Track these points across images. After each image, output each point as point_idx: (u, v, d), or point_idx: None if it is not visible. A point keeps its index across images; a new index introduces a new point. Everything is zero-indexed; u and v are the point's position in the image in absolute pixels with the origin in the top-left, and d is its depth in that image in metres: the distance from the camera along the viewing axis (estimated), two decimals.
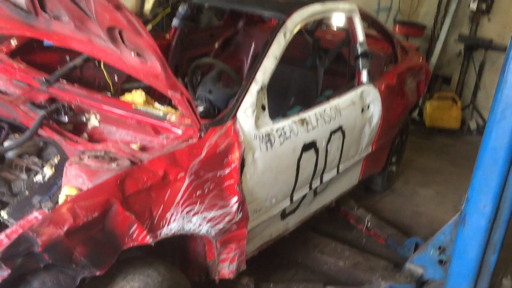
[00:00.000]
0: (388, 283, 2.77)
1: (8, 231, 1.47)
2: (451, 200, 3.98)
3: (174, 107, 2.18)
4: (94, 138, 2.13)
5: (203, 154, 1.93)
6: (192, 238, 2.12)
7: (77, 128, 2.17)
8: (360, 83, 3.11)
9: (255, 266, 2.69)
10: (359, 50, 3.12)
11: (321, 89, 3.36)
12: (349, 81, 3.23)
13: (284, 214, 2.63)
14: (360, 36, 3.14)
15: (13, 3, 2.11)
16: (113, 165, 1.74)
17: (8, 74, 2.44)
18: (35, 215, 1.52)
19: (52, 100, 2.26)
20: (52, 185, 1.79)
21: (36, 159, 1.96)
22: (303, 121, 2.48)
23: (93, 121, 2.19)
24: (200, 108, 2.57)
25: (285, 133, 2.35)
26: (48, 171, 1.85)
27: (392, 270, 2.88)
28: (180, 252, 2.20)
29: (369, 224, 3.38)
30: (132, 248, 1.69)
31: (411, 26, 6.17)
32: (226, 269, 2.22)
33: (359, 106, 2.98)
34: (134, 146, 1.95)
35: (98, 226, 1.58)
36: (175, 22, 3.62)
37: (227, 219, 2.02)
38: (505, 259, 2.61)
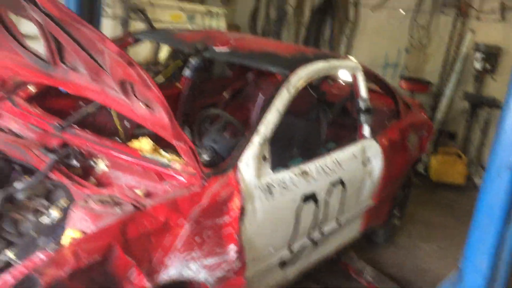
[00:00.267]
0: None
1: (13, 271, 1.53)
2: (454, 256, 3.96)
3: (179, 154, 2.28)
4: (101, 182, 2.22)
5: (204, 202, 2.01)
6: (191, 285, 2.15)
7: (86, 172, 2.26)
8: (361, 137, 3.20)
9: None
10: (361, 105, 3.23)
11: (325, 141, 3.46)
12: (352, 134, 3.33)
13: (283, 264, 2.66)
14: (363, 92, 3.26)
15: (34, 53, 2.27)
16: (117, 209, 1.82)
17: (24, 119, 2.57)
18: (39, 256, 1.58)
19: (64, 144, 2.37)
20: (58, 227, 1.87)
21: (44, 201, 2.04)
22: (303, 173, 2.56)
23: (102, 166, 2.29)
24: (205, 157, 2.65)
25: (285, 184, 2.42)
26: (55, 213, 1.93)
27: None
28: None
29: (368, 277, 3.38)
30: None
31: (417, 82, 6.33)
32: None
33: (360, 160, 3.06)
34: (139, 192, 2.04)
35: (99, 269, 1.64)
36: (187, 72, 3.78)
37: (225, 266, 2.07)
38: None
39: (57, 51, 2.11)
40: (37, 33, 2.10)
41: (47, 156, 2.21)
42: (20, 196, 2.02)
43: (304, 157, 2.88)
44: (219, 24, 7.71)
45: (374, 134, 3.28)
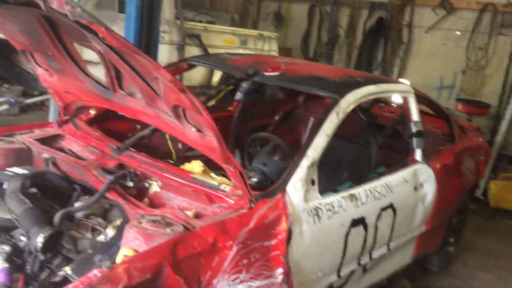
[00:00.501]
0: None
1: (70, 286, 1.62)
2: None
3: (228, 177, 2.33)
4: (154, 203, 2.31)
5: (252, 224, 2.04)
6: None
7: (140, 193, 2.36)
8: (413, 161, 3.14)
9: None
10: (413, 129, 3.18)
11: (375, 165, 3.42)
12: (403, 158, 3.27)
13: None
14: (415, 115, 3.21)
15: (95, 80, 2.42)
16: (168, 230, 1.89)
17: (85, 141, 2.73)
18: (95, 273, 1.66)
19: (120, 166, 2.49)
20: (113, 245, 1.96)
21: (101, 220, 2.15)
22: (352, 197, 2.54)
23: (155, 187, 2.38)
24: (254, 179, 2.71)
25: (333, 208, 2.42)
26: (110, 232, 2.03)
27: None
28: None
29: None
30: None
31: (474, 104, 6.15)
32: None
33: (411, 185, 3.01)
34: (189, 213, 2.10)
35: (149, 287, 1.70)
36: (238, 95, 3.88)
37: None
38: None
39: (116, 78, 2.24)
40: (97, 59, 2.24)
41: (104, 177, 2.33)
42: (79, 215, 2.14)
43: (353, 181, 2.86)
44: (271, 47, 7.83)
45: (427, 158, 3.21)
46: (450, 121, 3.75)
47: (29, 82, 5.57)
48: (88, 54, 2.43)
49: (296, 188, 2.29)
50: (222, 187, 2.23)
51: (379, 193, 2.72)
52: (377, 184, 2.75)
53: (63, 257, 1.95)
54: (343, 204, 2.47)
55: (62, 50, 2.33)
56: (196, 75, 6.69)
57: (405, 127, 3.27)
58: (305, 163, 2.36)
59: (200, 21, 7.41)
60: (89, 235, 2.06)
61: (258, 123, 4.10)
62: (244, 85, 3.84)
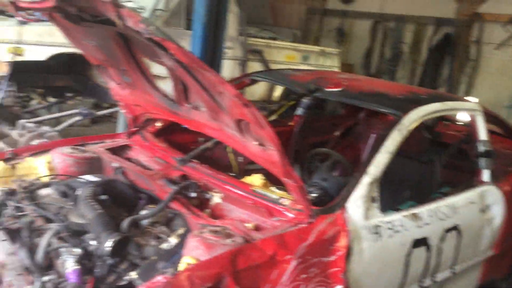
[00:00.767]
0: None
1: None
2: None
3: (288, 191, 2.35)
4: (215, 214, 2.37)
5: (311, 239, 2.04)
6: None
7: (202, 203, 2.43)
8: (480, 182, 3.02)
9: None
10: (481, 148, 3.07)
11: (439, 185, 3.31)
12: (470, 178, 3.16)
13: None
14: (483, 134, 3.10)
15: (163, 94, 2.53)
16: (229, 240, 1.93)
17: (151, 152, 2.85)
18: (159, 279, 1.73)
19: (184, 177, 2.57)
20: (175, 253, 2.02)
21: (164, 229, 2.23)
22: (414, 216, 2.48)
23: (216, 199, 2.44)
24: (314, 195, 2.71)
25: (394, 227, 2.37)
26: (173, 240, 2.10)
27: None
28: None
29: None
30: None
31: None
32: None
33: (478, 206, 2.89)
34: (249, 225, 2.14)
35: None
36: (299, 111, 3.90)
37: None
38: None
39: (183, 92, 2.33)
40: (164, 74, 2.35)
41: (169, 187, 2.42)
42: (145, 222, 2.23)
43: (416, 200, 2.79)
44: (333, 63, 7.82)
45: (495, 179, 3.07)
46: None
47: (100, 95, 5.89)
48: (155, 69, 2.56)
49: (357, 205, 2.27)
50: (282, 201, 2.25)
51: (443, 213, 2.63)
52: (441, 205, 2.66)
53: (129, 262, 2.03)
54: (405, 223, 2.42)
55: (134, 65, 2.47)
56: (258, 90, 6.80)
57: (472, 146, 3.16)
58: (366, 180, 2.34)
59: (263, 37, 7.54)
60: (153, 242, 2.14)
61: (318, 139, 4.10)
62: (305, 100, 3.86)
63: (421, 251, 2.52)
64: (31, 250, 2.05)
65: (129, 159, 2.86)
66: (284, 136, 3.80)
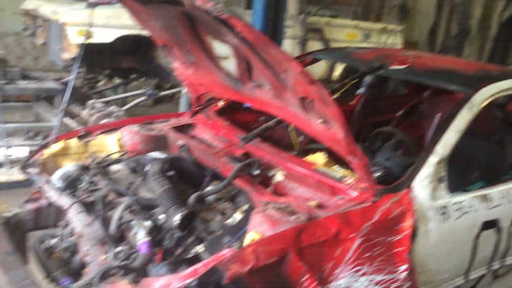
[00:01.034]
0: None
1: (204, 262, 1.75)
2: None
3: (352, 170, 2.33)
4: (277, 191, 2.39)
5: (375, 218, 2.02)
6: None
7: (265, 181, 2.46)
8: None
9: None
10: None
11: (510, 165, 3.16)
12: None
13: None
14: None
15: (227, 73, 2.56)
16: (292, 218, 1.95)
17: (214, 130, 2.91)
18: (225, 252, 1.78)
19: (247, 155, 2.61)
20: (240, 229, 2.07)
21: (229, 205, 2.28)
22: (484, 197, 2.39)
23: (278, 177, 2.46)
24: (377, 174, 2.67)
25: (463, 208, 2.30)
26: (238, 216, 2.15)
27: None
28: None
29: None
30: None
31: None
32: None
33: None
34: (312, 203, 2.14)
35: (274, 270, 1.77)
36: (361, 89, 3.83)
37: (394, 285, 2.03)
38: None
39: (247, 70, 2.35)
40: (225, 54, 2.38)
41: (232, 165, 2.46)
42: (210, 198, 2.29)
43: (486, 181, 2.68)
44: (395, 41, 7.59)
45: None
46: None
47: (163, 76, 6.03)
48: (217, 50, 2.58)
49: (423, 185, 2.22)
50: (345, 179, 2.24)
51: None
52: None
53: (195, 236, 2.10)
54: (474, 204, 2.34)
55: (198, 45, 2.51)
56: (318, 69, 6.71)
57: None
58: (433, 159, 2.27)
59: (323, 15, 7.42)
60: (218, 218, 2.20)
61: (380, 118, 4.01)
62: (367, 79, 3.78)
63: (490, 234, 2.43)
64: (105, 222, 2.17)
65: (193, 137, 2.93)
66: (344, 115, 3.73)
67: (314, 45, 6.56)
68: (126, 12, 2.57)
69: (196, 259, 2.01)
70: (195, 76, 2.84)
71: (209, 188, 2.36)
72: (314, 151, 2.76)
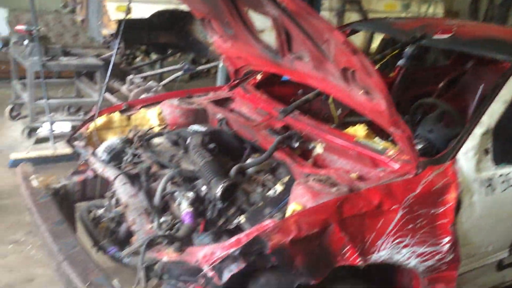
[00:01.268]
0: None
1: (247, 232, 1.78)
2: None
3: (393, 142, 2.30)
4: (317, 164, 2.39)
5: (418, 190, 2.00)
6: (399, 270, 2.17)
7: (304, 153, 2.46)
8: None
9: None
10: None
11: None
12: None
13: (500, 266, 2.47)
14: None
15: (266, 45, 2.55)
16: (333, 189, 1.95)
17: (253, 103, 2.91)
18: (268, 223, 1.80)
19: (286, 127, 2.60)
20: (281, 200, 2.09)
21: (270, 177, 2.30)
22: None
23: (318, 149, 2.45)
24: (419, 146, 2.62)
25: (509, 180, 2.24)
26: (279, 188, 2.17)
27: None
28: (386, 282, 2.27)
29: None
30: (341, 267, 1.85)
31: None
32: None
33: None
34: (353, 175, 2.13)
35: (316, 241, 1.78)
36: (401, 61, 3.73)
37: (437, 257, 2.03)
38: None
39: (286, 42, 2.32)
40: (262, 28, 2.35)
41: (272, 137, 2.46)
42: (251, 170, 2.31)
43: None
44: (436, 10, 7.34)
45: None
46: None
47: (200, 50, 6.05)
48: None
49: (467, 156, 2.17)
50: (387, 151, 2.21)
51: None
52: None
53: (237, 207, 2.13)
54: None
55: (237, 17, 2.50)
56: (355, 41, 6.58)
57: None
58: (478, 130, 2.21)
59: None
60: (259, 189, 2.22)
61: (420, 91, 3.91)
62: (408, 50, 3.67)
63: None
64: (149, 193, 2.23)
65: (232, 111, 2.94)
66: None
67: (352, 17, 6.42)
68: None
69: (238, 229, 2.05)
70: (234, 49, 2.84)
71: (249, 160, 2.38)
72: (353, 124, 2.74)
